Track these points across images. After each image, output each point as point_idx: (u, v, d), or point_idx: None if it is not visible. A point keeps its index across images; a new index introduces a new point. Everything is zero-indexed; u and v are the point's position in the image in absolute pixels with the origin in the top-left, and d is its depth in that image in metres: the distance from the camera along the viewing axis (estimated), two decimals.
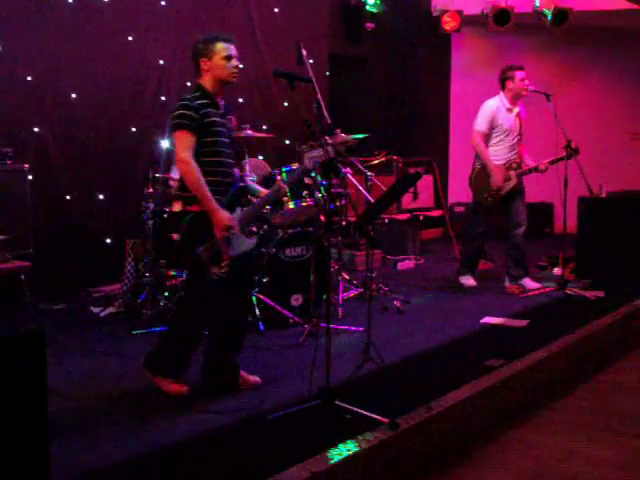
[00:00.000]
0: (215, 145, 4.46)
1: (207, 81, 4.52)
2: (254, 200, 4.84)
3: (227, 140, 4.56)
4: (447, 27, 10.81)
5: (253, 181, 6.10)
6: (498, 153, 7.46)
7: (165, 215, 6.24)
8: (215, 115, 4.47)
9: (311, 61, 4.78)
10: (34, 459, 2.86)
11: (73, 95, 6.98)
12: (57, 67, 6.88)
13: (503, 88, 7.49)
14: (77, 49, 7.00)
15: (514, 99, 7.47)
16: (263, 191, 5.00)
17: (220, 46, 4.53)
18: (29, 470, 2.84)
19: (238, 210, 4.54)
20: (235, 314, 4.71)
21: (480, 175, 7.47)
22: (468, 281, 7.80)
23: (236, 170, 4.70)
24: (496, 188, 7.38)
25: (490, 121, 7.42)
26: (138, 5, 7.47)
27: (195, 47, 4.55)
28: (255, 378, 4.78)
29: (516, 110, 7.50)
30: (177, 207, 4.42)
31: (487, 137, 7.46)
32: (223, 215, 4.37)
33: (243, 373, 4.76)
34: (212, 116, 4.44)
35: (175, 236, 6.18)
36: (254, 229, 4.77)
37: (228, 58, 4.54)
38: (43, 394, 2.92)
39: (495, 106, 7.46)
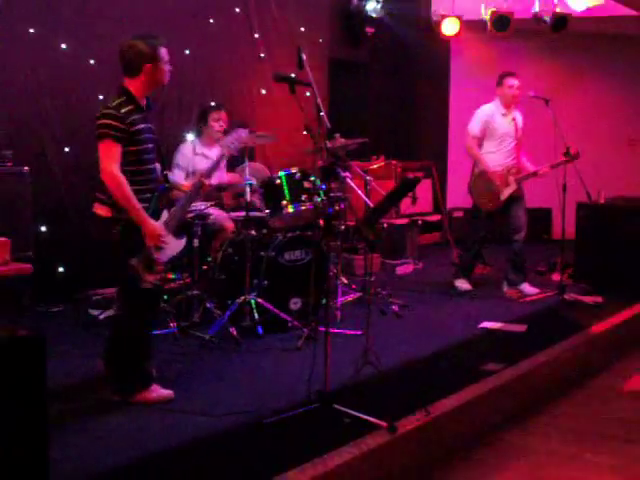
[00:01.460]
0: (140, 153, 4.39)
1: (138, 85, 4.43)
2: (179, 199, 4.79)
3: (151, 145, 4.50)
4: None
5: (252, 185, 6.14)
6: (495, 158, 7.48)
7: None
8: (140, 121, 4.39)
9: (311, 65, 4.79)
10: (33, 461, 2.88)
11: (73, 97, 6.99)
12: (57, 69, 6.89)
13: (497, 93, 7.57)
14: (78, 51, 7.00)
15: (506, 104, 7.52)
16: (185, 185, 4.95)
17: (163, 50, 4.52)
18: (28, 472, 2.85)
19: (165, 213, 4.54)
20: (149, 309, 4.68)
21: (479, 181, 7.49)
22: (464, 285, 7.82)
23: (157, 166, 4.63)
24: (496, 192, 7.39)
25: (483, 125, 7.46)
26: (140, 9, 7.47)
27: (136, 48, 4.40)
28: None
29: (511, 115, 7.53)
30: (101, 211, 4.38)
31: (480, 141, 7.50)
32: (153, 225, 4.36)
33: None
34: (138, 123, 4.36)
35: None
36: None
37: (167, 62, 4.54)
38: (43, 397, 2.94)
39: (489, 111, 7.52)
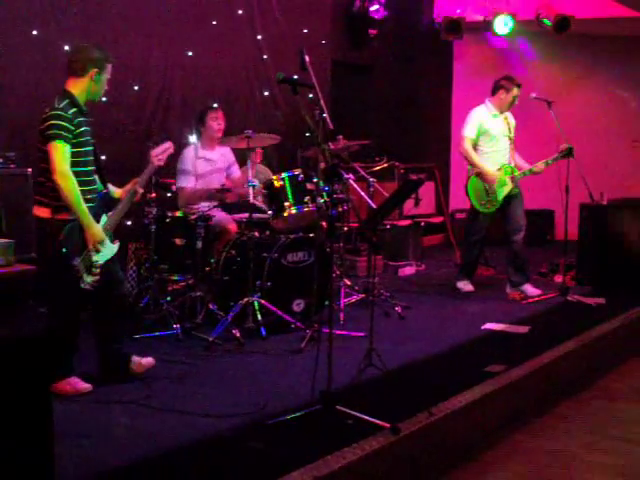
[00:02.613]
0: (84, 155, 4.58)
1: (81, 88, 4.63)
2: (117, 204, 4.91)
3: (91, 148, 4.69)
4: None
5: (255, 186, 6.14)
6: (490, 158, 7.50)
7: (167, 220, 6.27)
8: (84, 124, 4.59)
9: (313, 67, 4.80)
10: (39, 461, 2.88)
11: None
12: (60, 70, 6.88)
13: (493, 94, 7.55)
14: None
15: (502, 110, 7.52)
16: (118, 191, 5.04)
17: (109, 67, 4.73)
18: (34, 472, 2.86)
19: (104, 217, 4.70)
20: (110, 310, 4.85)
21: (475, 183, 7.50)
22: (466, 286, 7.82)
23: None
24: (493, 193, 7.39)
25: (477, 127, 7.47)
26: (142, 10, 7.48)
27: (88, 51, 4.64)
28: (148, 359, 4.93)
29: (502, 116, 7.54)
30: (41, 213, 4.55)
31: (475, 143, 7.50)
32: (97, 230, 4.55)
33: (136, 358, 4.90)
34: (82, 125, 4.56)
35: (178, 241, 6.21)
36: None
37: (107, 80, 4.74)
38: (48, 396, 2.95)
39: (482, 113, 7.54)
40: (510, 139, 7.57)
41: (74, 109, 4.53)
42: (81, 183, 4.51)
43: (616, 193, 8.71)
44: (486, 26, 10.72)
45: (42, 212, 4.57)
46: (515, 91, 7.46)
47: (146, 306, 6.30)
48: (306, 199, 6.29)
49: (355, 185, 6.77)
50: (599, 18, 10.62)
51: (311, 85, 4.56)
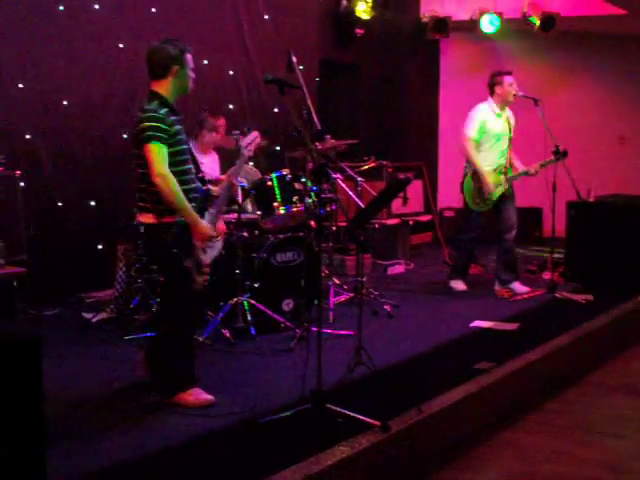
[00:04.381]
0: (180, 154, 4.44)
1: (167, 88, 4.47)
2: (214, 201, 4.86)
3: (187, 146, 4.57)
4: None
5: (244, 187, 6.15)
6: (488, 158, 7.48)
7: None
8: (177, 123, 4.45)
9: (301, 67, 4.83)
10: (30, 465, 2.89)
11: (64, 102, 6.99)
12: (49, 74, 6.89)
13: (492, 93, 7.53)
14: (69, 56, 7.01)
15: (503, 104, 7.52)
16: (214, 189, 5.04)
17: (189, 57, 4.60)
18: (26, 474, 2.87)
19: (206, 214, 4.60)
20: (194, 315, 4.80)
21: (471, 181, 7.50)
22: (459, 285, 7.84)
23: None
24: (489, 194, 7.41)
25: (480, 127, 7.45)
26: (129, 13, 7.48)
27: (165, 50, 4.47)
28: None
29: (505, 115, 7.55)
30: (146, 219, 4.41)
31: (476, 143, 7.49)
32: (205, 226, 4.45)
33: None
34: (175, 124, 4.42)
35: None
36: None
37: (192, 69, 4.62)
38: (39, 399, 2.95)
39: (484, 111, 7.50)
40: (509, 139, 7.58)
41: (165, 109, 4.37)
42: (181, 182, 4.35)
43: (603, 190, 8.75)
44: (472, 25, 10.78)
45: (146, 218, 4.42)
46: (508, 79, 7.47)
47: (136, 307, 6.30)
48: (294, 199, 6.31)
49: (343, 185, 6.80)
50: (585, 16, 10.67)
51: (297, 86, 4.57)
